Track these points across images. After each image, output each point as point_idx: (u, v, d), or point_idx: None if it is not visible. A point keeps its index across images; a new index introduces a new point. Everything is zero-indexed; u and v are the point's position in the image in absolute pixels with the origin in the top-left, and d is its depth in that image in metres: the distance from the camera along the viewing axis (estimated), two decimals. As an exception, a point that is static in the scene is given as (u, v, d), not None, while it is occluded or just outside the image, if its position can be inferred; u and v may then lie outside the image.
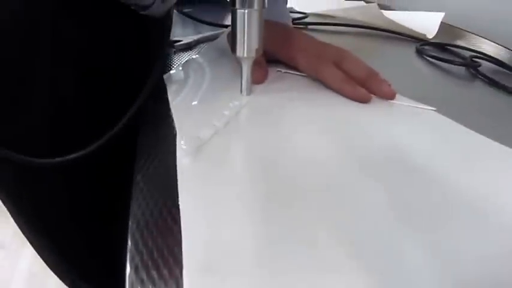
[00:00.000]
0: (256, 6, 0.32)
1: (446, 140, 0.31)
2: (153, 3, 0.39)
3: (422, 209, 0.23)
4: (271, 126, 0.32)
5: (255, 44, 0.34)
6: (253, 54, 0.35)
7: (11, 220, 0.49)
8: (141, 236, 0.21)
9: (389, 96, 0.37)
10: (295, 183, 0.25)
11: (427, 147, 0.29)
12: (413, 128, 0.32)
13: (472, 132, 0.31)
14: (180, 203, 0.22)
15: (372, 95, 0.37)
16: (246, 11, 0.32)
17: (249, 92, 0.37)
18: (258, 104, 0.36)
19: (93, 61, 0.39)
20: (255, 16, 0.33)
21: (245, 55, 0.34)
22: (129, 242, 0.21)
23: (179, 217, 0.21)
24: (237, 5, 0.32)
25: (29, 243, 0.52)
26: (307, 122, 0.33)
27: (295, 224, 0.21)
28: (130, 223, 0.22)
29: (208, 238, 0.20)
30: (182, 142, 0.29)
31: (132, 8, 0.39)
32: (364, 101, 0.36)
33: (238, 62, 0.36)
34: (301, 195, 0.24)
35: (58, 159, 0.34)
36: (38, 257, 0.54)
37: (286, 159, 0.27)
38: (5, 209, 0.49)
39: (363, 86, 0.37)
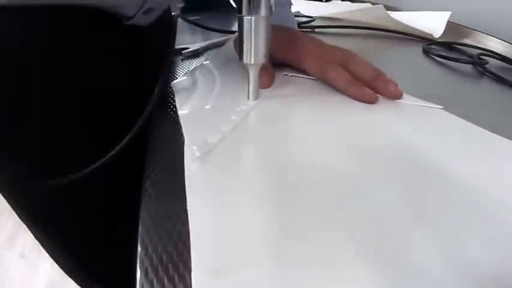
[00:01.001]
0: (263, 13, 0.33)
1: (455, 137, 0.31)
2: (134, 14, 0.41)
3: (433, 208, 0.23)
4: (278, 130, 0.32)
5: (262, 51, 0.34)
6: (260, 61, 0.35)
7: (31, 229, 0.50)
8: (150, 241, 0.22)
9: (396, 95, 0.37)
10: (303, 186, 0.25)
11: (437, 146, 0.29)
12: (422, 127, 0.32)
13: (481, 129, 0.31)
14: (188, 207, 0.23)
15: (379, 96, 0.37)
16: (253, 18, 0.33)
17: (256, 97, 0.38)
18: (266, 108, 0.36)
19: (93, 76, 0.41)
20: (262, 23, 0.33)
21: (252, 62, 0.35)
22: (139, 248, 0.21)
23: (187, 222, 0.22)
24: (244, 12, 0.33)
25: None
26: (315, 125, 0.33)
27: (304, 228, 0.21)
28: (140, 229, 0.22)
29: (217, 242, 0.21)
30: (194, 148, 0.29)
31: (118, 17, 0.40)
32: (370, 101, 0.37)
33: (245, 68, 0.36)
34: (311, 198, 0.24)
35: (71, 176, 0.35)
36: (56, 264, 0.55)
37: (294, 163, 0.27)
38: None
39: (370, 87, 0.37)
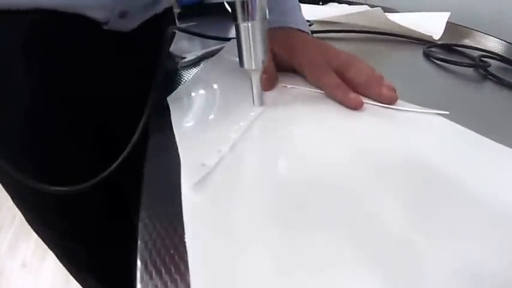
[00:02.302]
0: (258, 18, 0.33)
1: (456, 147, 0.30)
2: (108, 19, 0.42)
3: (436, 217, 0.22)
4: (278, 148, 0.32)
5: (261, 56, 0.35)
6: (260, 66, 0.35)
7: (33, 237, 0.50)
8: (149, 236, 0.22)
9: (390, 100, 0.36)
10: (304, 208, 0.24)
11: (437, 154, 0.29)
12: (421, 135, 0.32)
13: (480, 136, 0.30)
14: (186, 240, 0.22)
15: (372, 102, 0.37)
16: (249, 24, 0.33)
17: (261, 102, 0.38)
18: (264, 124, 0.35)
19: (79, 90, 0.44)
20: (258, 28, 0.34)
21: (254, 67, 0.35)
22: (138, 262, 0.21)
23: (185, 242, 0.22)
24: (239, 19, 0.33)
25: (48, 260, 0.54)
26: (315, 142, 0.32)
27: (306, 252, 0.21)
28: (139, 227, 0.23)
29: (215, 272, 0.20)
30: (191, 173, 0.28)
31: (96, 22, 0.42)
32: (353, 106, 0.36)
33: (247, 74, 0.36)
34: (311, 220, 0.23)
35: (71, 188, 0.36)
36: (58, 272, 0.56)
37: (294, 183, 0.27)
38: (28, 226, 0.50)
39: (363, 93, 0.37)
